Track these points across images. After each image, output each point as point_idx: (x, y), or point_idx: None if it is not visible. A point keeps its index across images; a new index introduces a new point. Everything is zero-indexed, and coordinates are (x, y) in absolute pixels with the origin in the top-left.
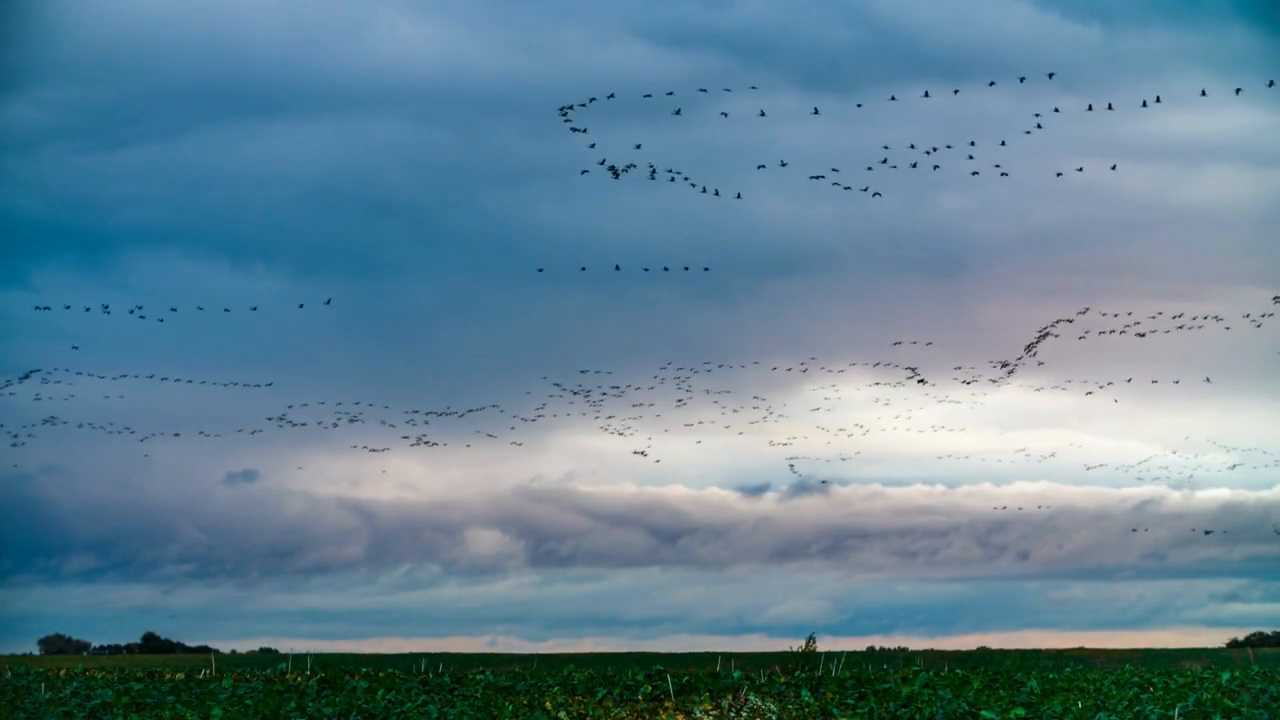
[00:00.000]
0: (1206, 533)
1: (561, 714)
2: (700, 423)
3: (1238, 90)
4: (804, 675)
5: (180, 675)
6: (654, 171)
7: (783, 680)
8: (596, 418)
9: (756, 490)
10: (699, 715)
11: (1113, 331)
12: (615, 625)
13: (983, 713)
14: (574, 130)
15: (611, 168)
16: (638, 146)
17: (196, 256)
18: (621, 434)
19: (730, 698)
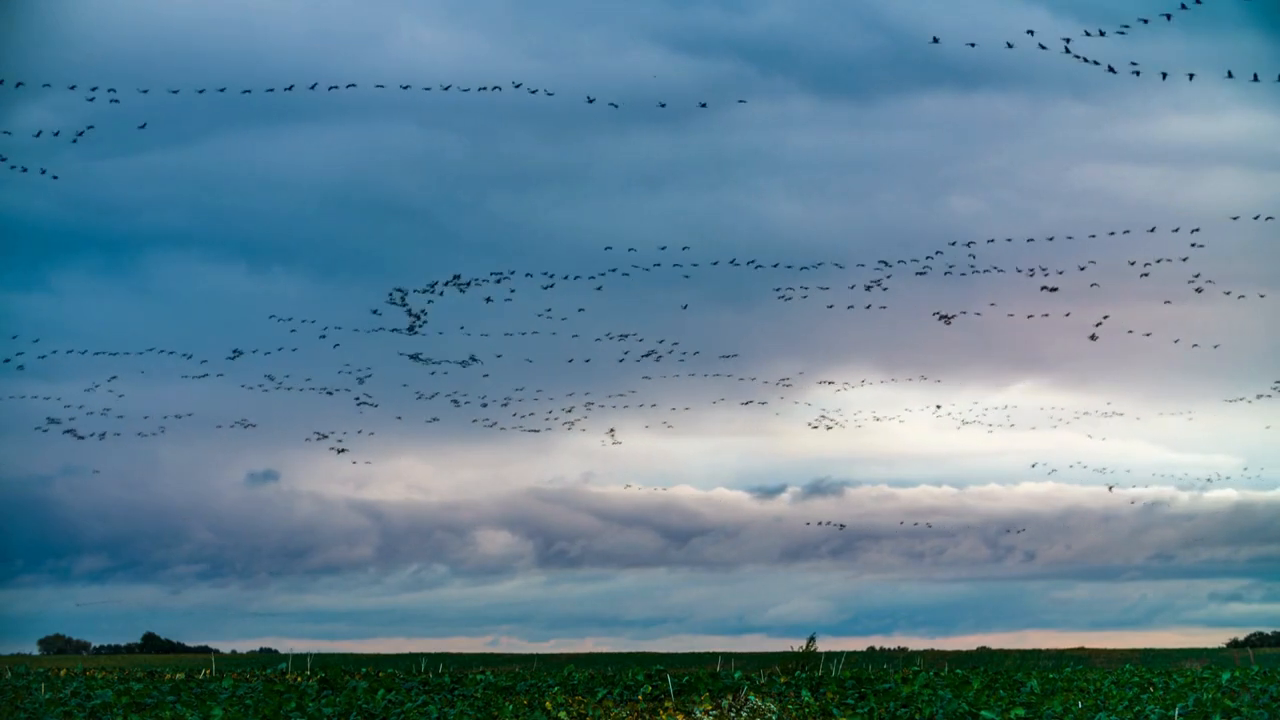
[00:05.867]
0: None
1: (561, 714)
2: (709, 422)
3: (1229, 74)
4: (804, 675)
5: (180, 675)
6: None
7: (783, 680)
8: (603, 433)
9: (770, 491)
10: (699, 715)
11: (1129, 331)
12: (617, 625)
13: (983, 713)
14: None
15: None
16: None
17: (215, 259)
18: (631, 435)
19: (730, 698)
